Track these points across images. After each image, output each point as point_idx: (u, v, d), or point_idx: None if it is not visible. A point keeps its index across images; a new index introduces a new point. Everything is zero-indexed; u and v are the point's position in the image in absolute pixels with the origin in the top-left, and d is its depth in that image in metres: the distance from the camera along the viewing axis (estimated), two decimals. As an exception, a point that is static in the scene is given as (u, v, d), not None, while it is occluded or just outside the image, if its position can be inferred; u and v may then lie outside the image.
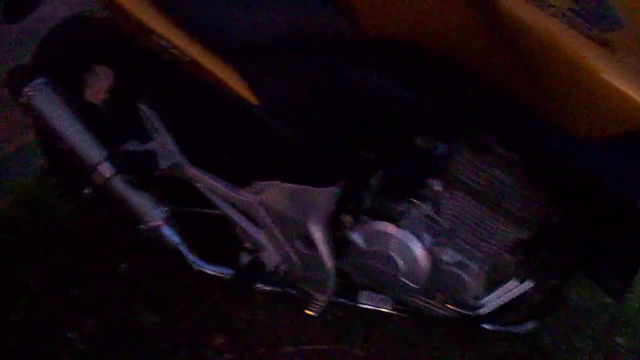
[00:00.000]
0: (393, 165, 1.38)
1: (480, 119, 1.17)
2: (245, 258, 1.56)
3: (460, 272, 1.34)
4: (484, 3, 1.03)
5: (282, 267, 1.52)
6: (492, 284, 1.40)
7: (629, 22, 1.11)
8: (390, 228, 1.36)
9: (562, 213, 1.25)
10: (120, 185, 1.54)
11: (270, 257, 1.51)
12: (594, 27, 1.03)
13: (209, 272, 1.57)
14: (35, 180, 2.05)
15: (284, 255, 1.50)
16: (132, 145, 1.55)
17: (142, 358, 1.75)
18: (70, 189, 1.81)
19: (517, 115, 1.11)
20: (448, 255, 1.36)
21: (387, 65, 1.19)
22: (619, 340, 1.70)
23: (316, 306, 1.51)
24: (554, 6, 1.02)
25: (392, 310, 1.51)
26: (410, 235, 1.35)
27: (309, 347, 1.76)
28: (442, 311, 1.45)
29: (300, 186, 1.38)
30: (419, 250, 1.35)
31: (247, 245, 1.54)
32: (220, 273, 1.58)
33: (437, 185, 1.33)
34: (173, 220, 1.57)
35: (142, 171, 1.53)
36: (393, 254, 1.36)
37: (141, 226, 1.56)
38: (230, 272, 1.57)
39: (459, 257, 1.35)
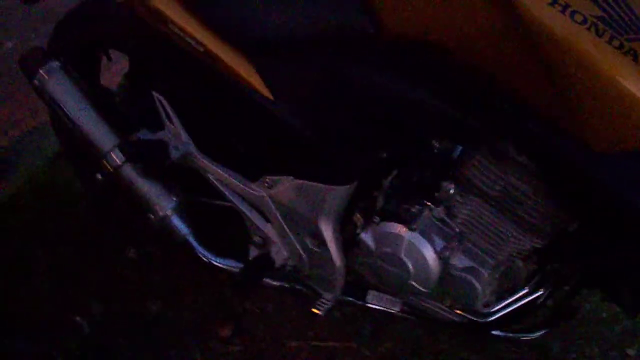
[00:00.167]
0: (407, 166, 1.35)
1: (499, 126, 1.14)
2: (253, 252, 1.54)
3: (470, 278, 1.32)
4: (509, 8, 0.99)
5: (290, 263, 1.50)
6: (504, 292, 1.37)
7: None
8: (401, 230, 1.33)
9: (578, 224, 1.22)
10: (130, 174, 1.53)
11: (279, 253, 1.49)
12: (620, 36, 0.99)
13: (217, 264, 1.56)
14: (48, 163, 2.06)
15: (293, 252, 1.48)
16: (144, 134, 1.54)
17: (148, 345, 1.76)
18: (83, 173, 1.80)
19: (535, 123, 1.08)
20: (459, 261, 1.33)
21: (407, 66, 1.16)
22: (630, 351, 1.67)
23: (323, 305, 1.50)
24: (580, 13, 0.99)
25: (400, 312, 1.49)
26: (421, 238, 1.32)
27: (315, 343, 1.75)
28: (450, 316, 1.43)
29: (313, 183, 1.35)
30: (429, 254, 1.32)
31: (256, 239, 1.52)
32: (229, 266, 1.56)
33: (451, 189, 1.29)
34: (183, 211, 1.56)
35: (153, 160, 1.51)
36: (403, 257, 1.33)
37: (150, 216, 1.55)
38: (238, 265, 1.55)
39: (470, 263, 1.33)
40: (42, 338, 1.74)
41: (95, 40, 1.61)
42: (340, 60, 1.22)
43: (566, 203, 1.19)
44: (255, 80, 1.30)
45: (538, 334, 1.47)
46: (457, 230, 1.32)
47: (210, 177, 1.50)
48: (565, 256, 1.31)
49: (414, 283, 1.35)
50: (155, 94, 1.49)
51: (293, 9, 1.24)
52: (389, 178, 1.36)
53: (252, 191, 1.45)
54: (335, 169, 1.33)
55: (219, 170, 1.48)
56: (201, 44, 1.30)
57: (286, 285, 1.57)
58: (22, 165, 2.16)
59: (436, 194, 1.31)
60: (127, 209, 1.74)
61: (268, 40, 1.27)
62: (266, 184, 1.43)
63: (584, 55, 0.98)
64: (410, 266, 1.34)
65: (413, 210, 1.34)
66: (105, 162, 1.54)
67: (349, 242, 1.41)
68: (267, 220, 1.48)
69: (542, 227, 1.25)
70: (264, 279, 1.54)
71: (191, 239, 1.55)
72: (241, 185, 1.46)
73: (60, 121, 1.59)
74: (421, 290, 1.36)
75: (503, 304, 1.37)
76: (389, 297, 1.50)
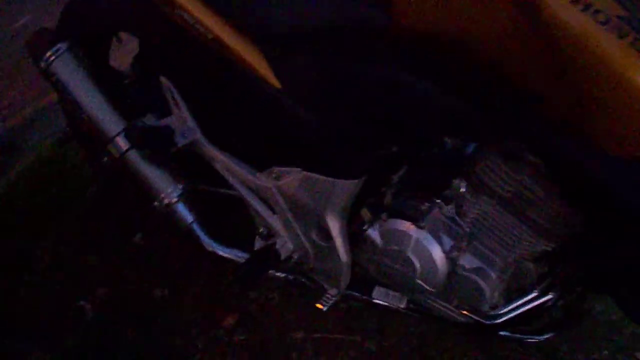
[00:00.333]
0: (418, 162, 1.32)
1: (511, 125, 1.10)
2: (259, 243, 1.52)
3: (478, 279, 1.28)
4: (530, 5, 0.95)
5: (296, 256, 1.47)
6: (512, 294, 1.34)
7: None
8: (409, 227, 1.30)
9: (588, 228, 1.18)
10: (136, 159, 1.52)
11: (284, 245, 1.47)
12: (643, 37, 0.95)
13: (222, 254, 1.54)
14: (56, 144, 2.04)
15: (299, 245, 1.45)
16: (150, 119, 1.52)
17: (151, 331, 1.75)
18: (90, 156, 1.79)
19: (550, 124, 1.04)
20: (467, 261, 1.30)
21: (417, 60, 1.12)
22: (639, 355, 1.64)
23: (327, 300, 1.47)
24: (602, 12, 0.94)
25: (406, 309, 1.46)
26: (429, 237, 1.29)
27: (320, 335, 1.73)
28: (457, 316, 1.40)
29: (321, 176, 1.32)
30: (437, 252, 1.29)
31: (262, 230, 1.50)
32: (233, 256, 1.54)
33: (462, 187, 1.26)
34: (188, 198, 1.54)
35: (159, 146, 1.49)
36: (410, 255, 1.31)
37: (155, 203, 1.53)
38: (243, 255, 1.53)
39: (478, 264, 1.29)
40: (44, 321, 1.74)
41: (104, 22, 1.58)
42: (350, 53, 1.19)
43: (579, 206, 1.16)
44: (264, 70, 1.27)
45: (546, 336, 1.43)
46: (467, 229, 1.29)
47: (217, 165, 1.47)
48: (576, 259, 1.27)
49: (420, 281, 1.33)
50: (163, 79, 1.47)
51: None
52: (399, 174, 1.33)
53: (259, 182, 1.42)
54: (344, 163, 1.30)
55: (226, 159, 1.45)
56: (210, 30, 1.27)
57: (290, 278, 1.55)
58: (32, 144, 2.15)
59: (446, 192, 1.28)
60: (135, 194, 1.72)
61: (278, 29, 1.24)
62: (273, 175, 1.40)
63: (605, 57, 0.94)
64: (417, 264, 1.31)
65: (422, 207, 1.31)
66: (111, 146, 1.52)
67: (355, 237, 1.39)
68: (274, 211, 1.45)
69: (553, 229, 1.21)
70: (267, 273, 1.52)
71: (196, 227, 1.53)
72: (248, 176, 1.43)
73: (67, 103, 1.57)
74: (427, 289, 1.33)
75: (511, 307, 1.34)
76: (395, 293, 1.47)
